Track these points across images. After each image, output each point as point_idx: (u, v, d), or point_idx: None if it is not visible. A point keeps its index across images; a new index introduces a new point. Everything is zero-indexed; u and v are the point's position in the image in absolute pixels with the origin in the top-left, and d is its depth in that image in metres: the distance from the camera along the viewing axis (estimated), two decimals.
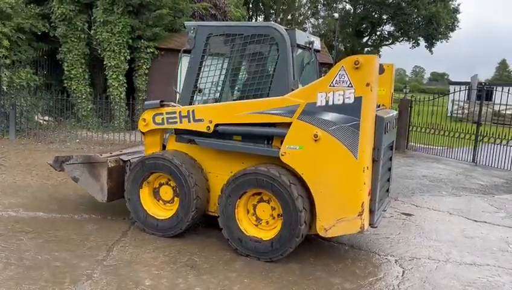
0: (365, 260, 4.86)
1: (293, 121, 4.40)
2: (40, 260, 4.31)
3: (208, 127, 4.83)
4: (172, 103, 5.25)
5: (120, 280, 4.01)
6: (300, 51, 5.17)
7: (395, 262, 4.87)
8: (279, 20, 38.24)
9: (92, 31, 12.77)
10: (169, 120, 5.10)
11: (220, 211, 4.77)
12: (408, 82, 69.75)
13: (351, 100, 4.13)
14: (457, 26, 40.57)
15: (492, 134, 11.32)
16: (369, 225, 4.51)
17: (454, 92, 12.96)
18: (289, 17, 40.88)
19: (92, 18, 12.77)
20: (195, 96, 5.21)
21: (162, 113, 5.14)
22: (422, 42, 40.68)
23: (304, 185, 4.45)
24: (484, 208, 7.41)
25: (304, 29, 37.43)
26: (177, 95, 5.75)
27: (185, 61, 6.10)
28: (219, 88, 5.45)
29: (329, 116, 4.21)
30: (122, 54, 12.74)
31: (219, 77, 5.37)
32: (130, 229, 5.28)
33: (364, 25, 42.38)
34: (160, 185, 5.20)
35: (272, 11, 41.59)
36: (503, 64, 76.30)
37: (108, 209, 5.80)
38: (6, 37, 11.40)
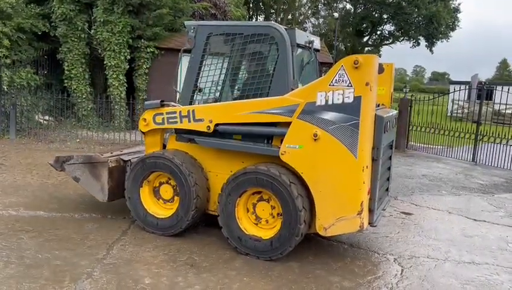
0: (364, 259, 4.88)
1: (292, 120, 4.41)
2: (40, 259, 4.33)
3: (208, 126, 4.85)
4: (173, 103, 5.26)
5: (120, 279, 4.02)
6: (300, 50, 5.18)
7: (394, 261, 4.89)
8: (279, 19, 38.24)
9: (92, 31, 12.79)
10: (170, 120, 5.11)
11: (220, 210, 4.79)
12: (409, 82, 69.73)
13: (351, 99, 4.14)
14: (458, 26, 40.62)
15: (492, 133, 11.33)
16: (369, 224, 4.53)
17: (454, 92, 12.97)
18: (289, 16, 40.86)
19: (92, 18, 12.79)
20: (195, 95, 5.23)
21: (162, 113, 5.15)
22: (422, 42, 40.71)
23: (303, 184, 4.46)
24: (484, 207, 7.42)
25: (304, 29, 37.45)
26: (177, 94, 5.76)
27: (185, 61, 6.12)
28: (219, 88, 5.47)
29: (329, 115, 4.23)
30: (122, 53, 12.76)
31: (219, 77, 5.39)
32: (130, 228, 5.30)
33: (364, 25, 42.37)
34: (161, 184, 5.21)
35: (272, 11, 41.59)
36: (503, 63, 76.29)
37: (108, 208, 5.82)
38: (7, 36, 11.42)
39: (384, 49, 46.34)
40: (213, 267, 4.40)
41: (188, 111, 4.97)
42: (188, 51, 5.28)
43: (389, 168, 5.36)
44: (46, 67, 13.32)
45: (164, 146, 5.47)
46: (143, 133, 5.41)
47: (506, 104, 12.07)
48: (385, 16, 40.45)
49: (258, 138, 4.80)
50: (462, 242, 5.62)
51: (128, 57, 12.95)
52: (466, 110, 17.88)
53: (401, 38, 42.38)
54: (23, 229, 5.07)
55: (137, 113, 12.63)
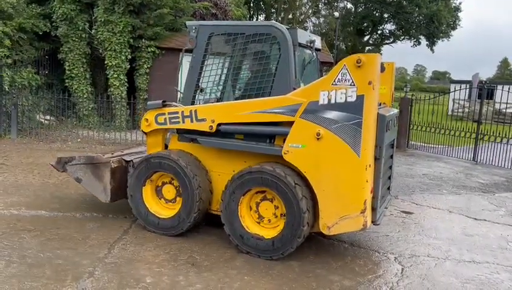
0: (365, 258, 4.89)
1: (295, 119, 4.42)
2: (42, 258, 4.35)
3: (211, 126, 4.84)
4: (174, 103, 5.25)
5: (121, 277, 4.04)
6: (301, 50, 5.19)
7: (395, 260, 4.90)
8: (280, 19, 38.22)
9: (93, 31, 12.81)
10: (172, 120, 5.10)
11: (223, 207, 4.79)
12: (409, 81, 69.65)
13: (353, 98, 4.16)
14: (459, 25, 40.59)
15: (493, 132, 11.32)
16: (372, 222, 4.54)
17: (455, 91, 12.97)
18: (290, 16, 40.83)
19: (93, 18, 12.81)
20: (197, 95, 5.22)
21: (164, 113, 5.14)
22: (423, 41, 40.68)
23: (307, 185, 4.47)
24: (484, 206, 7.43)
25: (305, 28, 37.39)
26: (179, 94, 5.77)
27: (185, 61, 6.13)
28: (221, 87, 5.46)
29: (332, 114, 4.24)
30: (123, 53, 12.78)
31: (221, 76, 5.38)
32: (131, 228, 5.32)
33: (365, 24, 42.34)
34: (163, 183, 5.22)
35: (272, 10, 41.56)
36: (504, 62, 76.19)
37: (109, 207, 5.83)
38: (8, 36, 11.44)
39: (385, 49, 46.39)
40: (214, 266, 4.42)
41: (190, 111, 4.96)
42: (189, 51, 5.28)
43: (390, 167, 5.37)
44: (47, 67, 13.35)
45: (166, 146, 5.48)
46: (145, 133, 5.41)
47: (506, 103, 12.09)
48: (386, 15, 40.41)
49: (260, 137, 4.81)
50: (462, 241, 5.63)
51: (129, 56, 12.96)
52: (467, 110, 17.87)
53: (402, 37, 42.34)
54: (24, 229, 5.08)
55: (138, 112, 12.65)
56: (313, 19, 46.19)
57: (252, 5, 38.47)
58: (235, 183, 4.70)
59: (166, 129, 5.40)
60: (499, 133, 11.14)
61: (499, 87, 12.07)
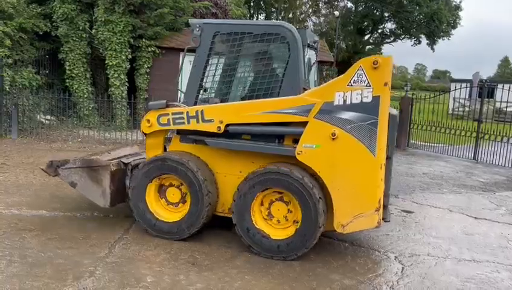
0: (365, 257, 4.90)
1: (309, 120, 4.42)
2: (43, 257, 4.36)
3: (219, 127, 4.76)
4: (177, 103, 5.15)
5: (122, 277, 4.05)
6: (308, 50, 5.19)
7: (395, 259, 4.90)
8: (280, 18, 38.19)
9: (94, 31, 12.82)
10: (176, 121, 4.98)
11: (237, 197, 4.68)
12: (410, 80, 69.58)
13: (369, 99, 4.23)
14: (459, 24, 40.59)
15: (493, 131, 11.33)
16: (382, 219, 4.59)
17: (455, 90, 12.96)
18: (290, 15, 40.79)
19: (93, 17, 12.82)
20: (200, 95, 5.14)
21: (167, 114, 5.01)
22: (424, 40, 40.68)
23: (321, 187, 4.48)
24: (484, 205, 7.43)
25: (305, 28, 37.37)
26: (180, 94, 5.72)
27: (186, 60, 6.10)
28: (226, 88, 5.33)
29: (347, 115, 4.29)
30: (123, 53, 12.80)
31: (225, 76, 5.27)
32: (131, 227, 5.32)
33: (365, 23, 42.31)
34: (171, 185, 5.06)
35: (273, 10, 41.51)
36: (505, 61, 76.06)
37: (110, 207, 5.82)
38: (9, 36, 11.45)
39: (386, 48, 46.35)
40: (214, 265, 4.42)
41: (196, 111, 4.86)
42: (192, 50, 5.19)
43: None
44: (48, 67, 13.35)
45: (165, 148, 5.38)
46: (145, 134, 5.28)
47: (507, 102, 12.08)
48: (386, 14, 40.40)
49: (269, 137, 4.77)
50: (462, 240, 5.63)
51: (130, 56, 12.98)
52: (467, 109, 17.86)
53: (403, 36, 42.34)
54: (25, 228, 5.09)
55: (138, 112, 12.66)
56: (313, 18, 46.16)
57: (252, 4, 38.45)
58: (257, 178, 4.59)
59: (167, 130, 5.31)
60: (500, 132, 11.15)
61: (500, 86, 12.08)
